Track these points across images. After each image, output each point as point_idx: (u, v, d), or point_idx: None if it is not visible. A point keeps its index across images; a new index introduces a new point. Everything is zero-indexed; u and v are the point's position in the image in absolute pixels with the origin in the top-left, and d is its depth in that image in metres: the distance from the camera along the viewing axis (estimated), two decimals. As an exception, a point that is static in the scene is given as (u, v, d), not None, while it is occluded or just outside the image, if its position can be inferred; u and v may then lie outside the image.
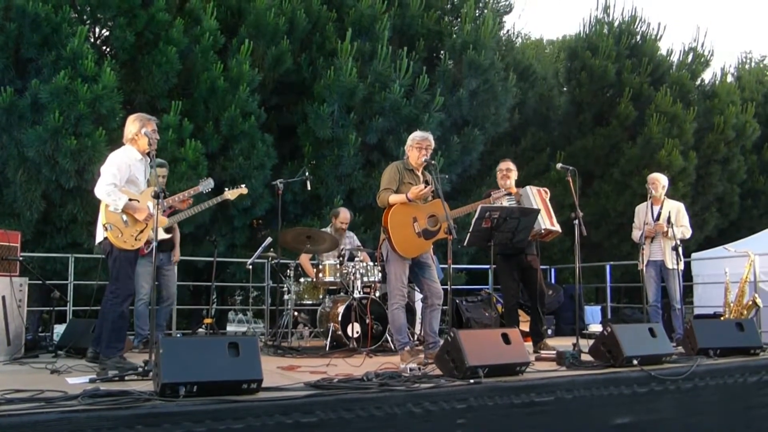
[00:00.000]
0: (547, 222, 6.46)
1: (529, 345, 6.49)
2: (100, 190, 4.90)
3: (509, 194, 6.39)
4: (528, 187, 6.65)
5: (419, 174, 5.74)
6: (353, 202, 9.66)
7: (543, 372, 4.71)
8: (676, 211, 7.39)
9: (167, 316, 7.05)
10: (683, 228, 7.32)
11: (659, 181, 7.43)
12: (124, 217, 4.88)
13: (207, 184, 6.17)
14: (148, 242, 5.08)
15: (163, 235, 6.46)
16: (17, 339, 5.97)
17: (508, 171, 6.71)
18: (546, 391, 4.34)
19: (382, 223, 5.53)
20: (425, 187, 5.54)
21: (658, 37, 13.58)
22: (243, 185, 6.89)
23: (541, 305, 6.70)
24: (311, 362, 5.63)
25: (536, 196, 6.56)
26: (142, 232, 4.95)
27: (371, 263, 7.15)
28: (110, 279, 4.94)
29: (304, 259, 7.70)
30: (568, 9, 51.43)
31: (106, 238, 4.91)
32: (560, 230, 6.66)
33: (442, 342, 5.17)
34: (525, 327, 7.13)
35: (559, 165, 6.28)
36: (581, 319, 9.13)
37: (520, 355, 4.52)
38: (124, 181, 4.95)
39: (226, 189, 6.75)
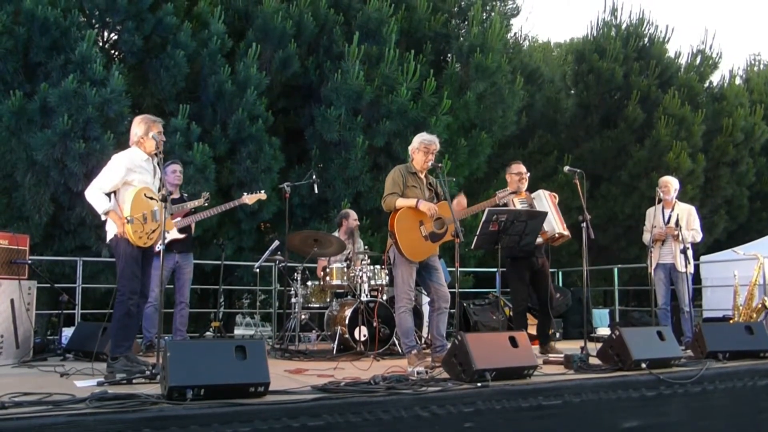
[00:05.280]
0: (560, 226, 6.48)
1: (536, 347, 6.49)
2: (88, 192, 4.95)
3: (514, 192, 6.38)
4: (541, 191, 6.68)
5: (423, 177, 5.72)
6: (360, 206, 9.66)
7: (551, 375, 4.69)
8: (687, 214, 7.34)
9: (184, 319, 7.01)
10: (694, 231, 7.28)
11: (671, 184, 7.39)
12: (145, 213, 4.89)
13: (206, 199, 6.34)
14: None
15: (176, 235, 6.48)
16: (26, 342, 6.00)
17: (526, 174, 6.74)
18: (554, 394, 4.32)
19: (389, 227, 5.51)
20: (434, 202, 5.57)
21: (666, 40, 13.56)
22: (262, 191, 6.96)
23: (550, 308, 6.70)
24: (318, 365, 5.63)
25: (548, 200, 6.58)
26: (154, 231, 4.95)
27: (377, 266, 7.14)
28: (117, 277, 4.95)
29: (318, 267, 7.72)
30: (576, 12, 51.42)
31: (114, 236, 4.91)
32: (570, 235, 6.67)
33: (449, 345, 5.15)
34: (532, 330, 7.12)
35: (566, 168, 6.27)
36: (589, 322, 9.09)
37: (527, 359, 4.51)
38: (117, 183, 4.94)
39: (245, 193, 6.80)
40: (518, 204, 6.51)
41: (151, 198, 4.98)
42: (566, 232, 6.56)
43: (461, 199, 5.81)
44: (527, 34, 20.21)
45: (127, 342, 4.89)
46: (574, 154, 12.93)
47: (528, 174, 6.76)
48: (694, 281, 7.60)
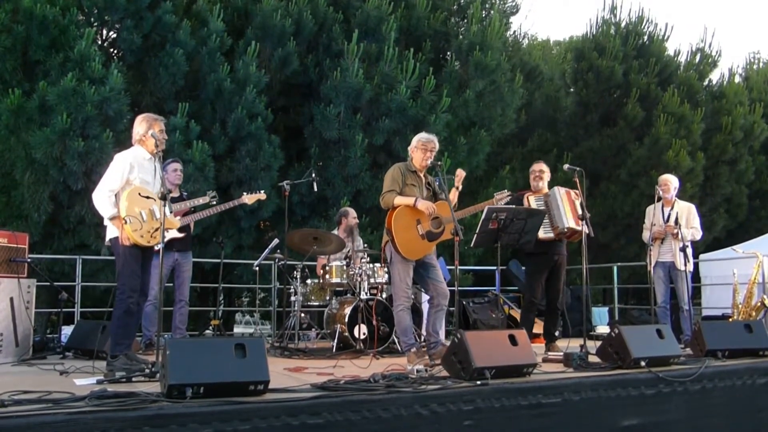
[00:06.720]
0: (571, 221, 6.39)
1: (540, 346, 6.50)
2: (95, 195, 4.95)
3: (510, 195, 6.37)
4: (556, 188, 6.64)
5: (422, 176, 5.72)
6: (360, 203, 9.66)
7: (550, 373, 4.70)
8: (687, 212, 7.34)
9: (183, 318, 7.02)
10: (693, 229, 7.28)
11: (671, 182, 7.39)
12: (143, 212, 4.88)
13: (212, 197, 6.32)
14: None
15: (175, 234, 6.48)
16: (25, 340, 5.99)
17: (540, 173, 6.75)
18: (553, 392, 4.32)
19: (386, 225, 5.51)
20: (432, 200, 5.57)
21: (666, 38, 13.54)
22: (262, 191, 6.98)
23: (564, 308, 6.70)
24: (318, 364, 5.64)
25: (564, 197, 6.52)
26: (157, 230, 4.94)
27: (377, 264, 7.14)
28: (117, 276, 4.95)
29: (318, 265, 7.72)
30: (575, 10, 51.38)
31: (115, 237, 4.91)
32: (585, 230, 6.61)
33: (443, 342, 5.15)
34: (537, 329, 7.13)
35: (566, 166, 6.25)
36: (588, 320, 9.09)
37: (527, 357, 4.51)
38: (124, 182, 4.94)
39: (245, 193, 6.82)
40: (533, 202, 6.53)
41: (147, 197, 4.97)
42: (578, 227, 6.46)
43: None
44: (526, 32, 20.22)
45: (126, 340, 4.89)
46: (573, 153, 12.91)
47: (543, 172, 6.74)
48: (693, 279, 7.60)
